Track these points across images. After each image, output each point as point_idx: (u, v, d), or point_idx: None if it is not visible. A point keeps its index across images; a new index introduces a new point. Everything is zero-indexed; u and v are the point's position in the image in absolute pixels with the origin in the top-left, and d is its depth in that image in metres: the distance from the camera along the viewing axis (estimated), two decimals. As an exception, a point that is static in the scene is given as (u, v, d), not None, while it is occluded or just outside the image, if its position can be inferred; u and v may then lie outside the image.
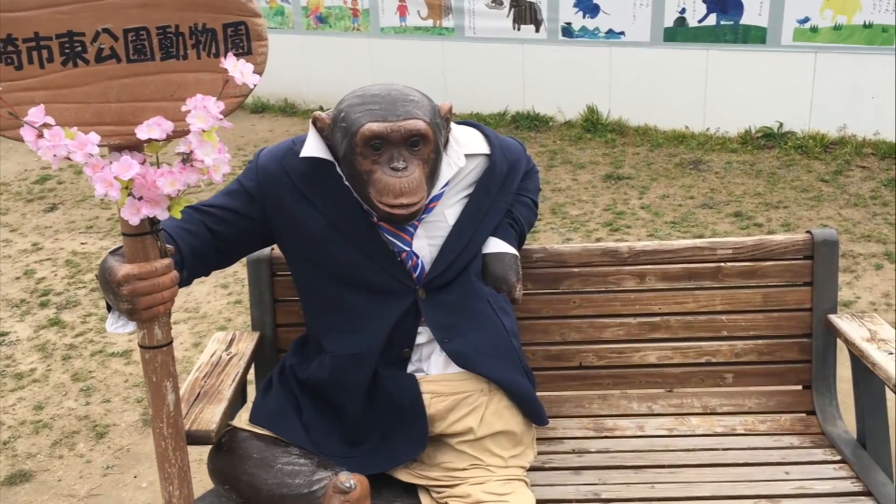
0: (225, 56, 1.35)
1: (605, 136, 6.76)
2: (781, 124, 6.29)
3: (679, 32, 6.48)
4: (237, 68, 1.33)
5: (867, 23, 5.80)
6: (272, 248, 2.15)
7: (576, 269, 2.25)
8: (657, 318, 2.25)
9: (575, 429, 2.24)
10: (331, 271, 1.85)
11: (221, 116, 1.33)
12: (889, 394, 1.99)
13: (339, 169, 1.79)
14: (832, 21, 5.92)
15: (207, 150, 1.33)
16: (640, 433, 2.22)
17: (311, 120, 1.81)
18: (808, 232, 2.20)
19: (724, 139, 6.45)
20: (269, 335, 2.22)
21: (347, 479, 1.61)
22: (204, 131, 1.32)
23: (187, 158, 1.33)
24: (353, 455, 1.83)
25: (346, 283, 1.84)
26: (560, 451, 2.15)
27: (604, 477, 2.03)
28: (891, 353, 1.98)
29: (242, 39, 1.40)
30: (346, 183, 1.79)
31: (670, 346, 2.26)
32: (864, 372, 2.05)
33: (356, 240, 1.82)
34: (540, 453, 2.12)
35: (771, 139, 6.28)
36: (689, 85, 6.56)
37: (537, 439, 2.16)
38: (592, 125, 6.93)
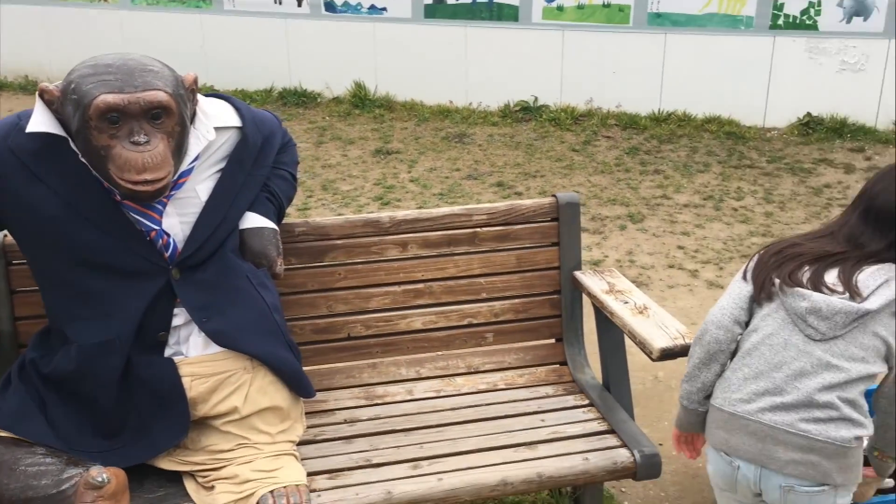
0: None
1: (374, 112, 6.82)
2: (536, 98, 6.67)
3: (438, 9, 6.66)
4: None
5: (606, 2, 6.28)
6: (3, 235, 1.97)
7: (339, 242, 2.26)
8: (421, 285, 2.32)
9: (346, 399, 2.26)
10: (73, 256, 1.72)
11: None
12: (627, 339, 2.19)
13: (73, 145, 1.66)
14: (576, 1, 6.34)
15: None
16: (409, 397, 2.28)
17: (37, 92, 1.66)
18: (553, 196, 2.36)
19: (485, 113, 6.73)
20: (6, 329, 2.03)
21: (100, 473, 1.52)
22: None
23: None
24: (109, 448, 1.73)
25: (91, 267, 1.72)
26: (332, 422, 2.16)
27: (375, 443, 2.07)
28: (626, 303, 2.18)
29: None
30: (83, 160, 1.67)
31: (434, 310, 2.34)
32: (604, 321, 2.24)
33: (99, 220, 1.70)
34: (312, 426, 2.12)
35: (528, 112, 6.65)
36: (450, 61, 6.77)
37: (309, 413, 2.16)
38: (360, 101, 6.96)
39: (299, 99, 7.10)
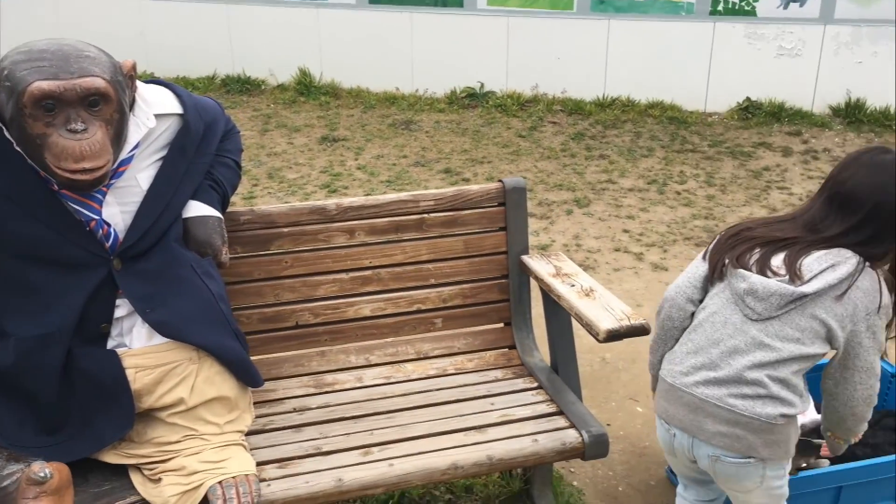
0: None
1: (319, 99, 6.76)
2: (483, 85, 6.69)
3: (383, -5, 6.62)
4: None
5: (550, -11, 6.32)
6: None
7: (285, 229, 2.24)
8: (369, 272, 2.31)
9: (295, 388, 2.25)
10: (9, 247, 1.67)
11: None
12: (575, 322, 2.22)
13: (6, 133, 1.61)
14: (521, -13, 6.37)
15: None
16: (359, 385, 2.28)
17: (-33, 80, 1.60)
18: (500, 181, 2.37)
19: (432, 100, 6.72)
20: (-59, 325, 1.97)
21: (42, 468, 1.49)
22: None
23: None
24: (51, 443, 1.69)
25: (28, 259, 1.68)
26: (281, 411, 2.15)
27: (325, 431, 2.06)
28: (573, 286, 2.21)
29: None
30: (18, 149, 1.62)
31: (383, 297, 2.34)
32: (552, 304, 2.26)
33: (35, 211, 1.66)
34: (260, 416, 2.10)
35: (474, 99, 6.66)
36: (396, 47, 6.73)
37: (257, 402, 2.14)
38: (306, 88, 6.89)
39: (243, 86, 6.99)
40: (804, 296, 1.75)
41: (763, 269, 1.80)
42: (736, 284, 1.82)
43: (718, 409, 1.79)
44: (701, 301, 1.94)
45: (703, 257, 1.96)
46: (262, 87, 7.04)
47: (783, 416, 1.76)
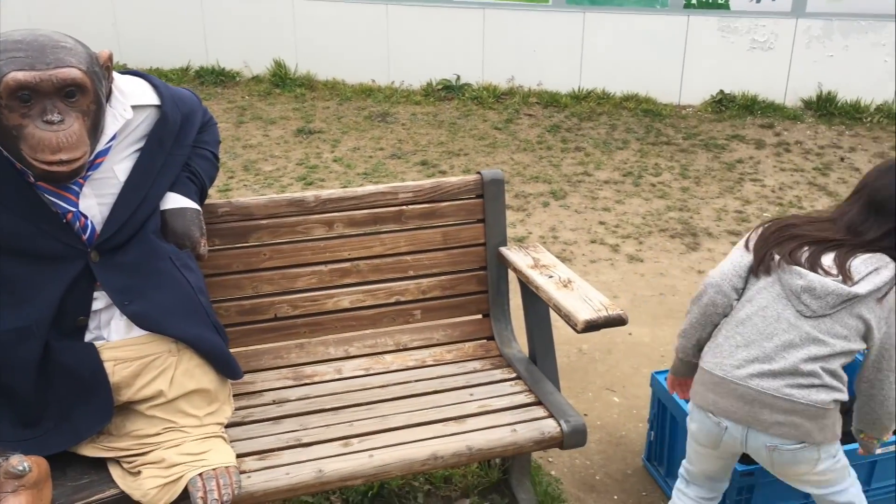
0: None
1: (295, 91, 6.73)
2: (459, 77, 6.69)
3: (359, -13, 6.59)
4: None
5: (526, -18, 6.33)
6: None
7: (264, 222, 2.23)
8: (347, 264, 2.31)
9: (274, 380, 2.25)
10: (-17, 240, 1.66)
11: None
12: (553, 313, 2.23)
13: (-19, 125, 1.60)
14: (497, -21, 6.37)
15: None
16: (338, 376, 2.28)
17: (-60, 70, 1.58)
18: (478, 173, 2.38)
19: (408, 92, 6.71)
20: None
21: (20, 461, 1.48)
22: None
23: None
24: (29, 436, 1.68)
25: (4, 252, 1.66)
26: (260, 403, 2.15)
27: (304, 422, 2.06)
28: (551, 277, 2.23)
29: None
30: (-7, 140, 1.60)
31: (362, 289, 2.34)
32: (530, 295, 2.28)
33: (11, 203, 1.64)
34: (240, 408, 2.10)
35: (450, 91, 6.66)
36: (372, 39, 6.71)
37: (237, 395, 2.14)
38: (281, 80, 6.85)
39: (217, 78, 6.94)
40: (856, 296, 1.83)
41: (814, 267, 1.88)
42: (790, 281, 1.88)
43: (776, 400, 1.85)
44: (742, 290, 1.98)
45: (746, 247, 1.99)
46: (237, 78, 7.00)
47: (835, 401, 1.86)
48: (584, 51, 6.40)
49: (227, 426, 1.94)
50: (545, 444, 2.03)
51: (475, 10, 6.46)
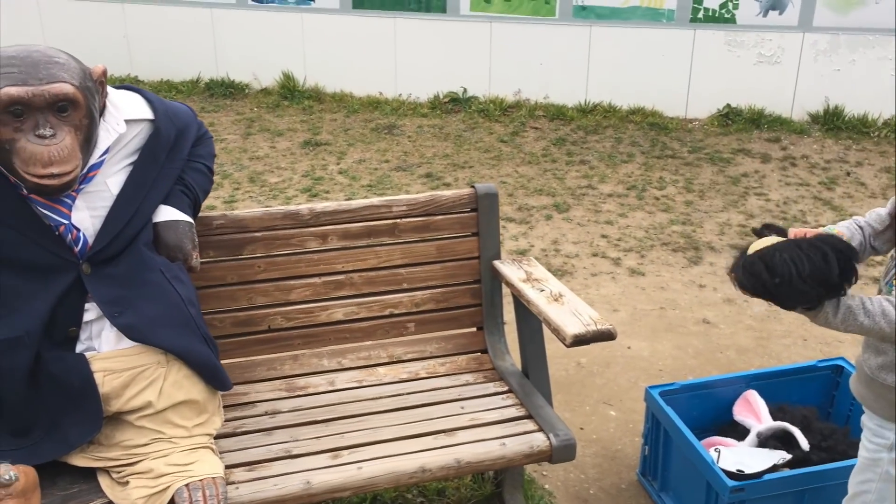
0: None
1: (303, 103, 6.77)
2: (465, 89, 6.72)
3: (366, 0, 6.63)
4: None
5: (532, -5, 6.36)
6: None
7: (258, 234, 2.25)
8: (341, 276, 2.33)
9: (267, 391, 2.26)
10: (-23, 252, 1.69)
11: None
12: (545, 326, 2.24)
13: (-25, 138, 1.63)
14: (503, -7, 6.40)
15: None
16: (331, 388, 2.30)
17: (-65, 85, 1.61)
18: (472, 186, 2.39)
19: (415, 104, 6.75)
20: (-89, 329, 1.97)
21: (7, 470, 1.50)
22: None
23: None
24: (18, 446, 1.70)
25: (-3, 262, 1.69)
26: (252, 414, 2.16)
27: (295, 434, 2.08)
28: (542, 291, 2.23)
29: None
30: (-14, 154, 1.63)
31: (355, 301, 2.35)
32: (522, 308, 2.29)
33: (4, 216, 1.67)
34: (232, 419, 2.12)
35: (457, 104, 6.69)
36: (380, 52, 6.75)
37: (229, 406, 2.16)
38: (289, 92, 6.90)
39: (227, 90, 7.00)
40: None
41: None
42: None
43: None
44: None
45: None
46: (246, 91, 7.05)
47: None
48: (591, 64, 6.42)
49: (219, 437, 1.95)
50: (534, 457, 2.03)
51: (482, 24, 6.49)
